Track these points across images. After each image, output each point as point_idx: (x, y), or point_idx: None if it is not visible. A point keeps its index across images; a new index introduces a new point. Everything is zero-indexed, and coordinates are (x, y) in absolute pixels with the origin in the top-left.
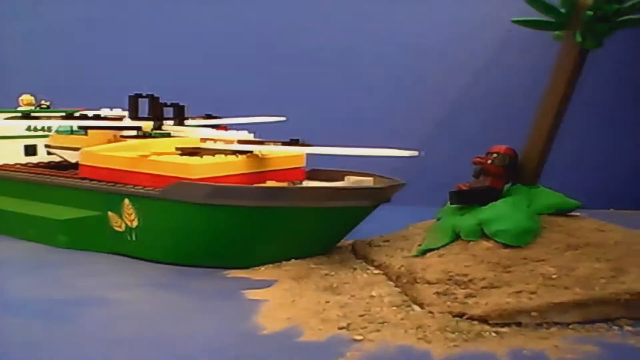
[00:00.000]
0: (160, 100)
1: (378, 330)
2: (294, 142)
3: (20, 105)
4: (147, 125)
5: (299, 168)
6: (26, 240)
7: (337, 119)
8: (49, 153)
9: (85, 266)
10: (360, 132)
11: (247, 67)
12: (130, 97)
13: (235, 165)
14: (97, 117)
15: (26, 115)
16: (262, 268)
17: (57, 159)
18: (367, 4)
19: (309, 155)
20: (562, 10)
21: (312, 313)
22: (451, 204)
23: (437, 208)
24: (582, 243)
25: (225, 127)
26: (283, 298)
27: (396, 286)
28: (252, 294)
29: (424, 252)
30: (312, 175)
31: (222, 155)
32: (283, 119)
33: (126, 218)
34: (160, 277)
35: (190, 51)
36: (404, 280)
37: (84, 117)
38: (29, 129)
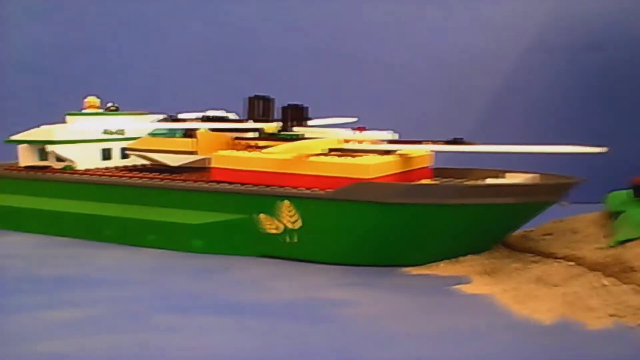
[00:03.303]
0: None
1: None
2: (458, 141)
3: (84, 107)
4: (268, 128)
5: (426, 167)
6: (144, 246)
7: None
8: (124, 156)
9: (247, 270)
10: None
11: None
12: (249, 98)
13: (396, 165)
14: (220, 120)
15: (174, 119)
16: (441, 264)
17: (137, 162)
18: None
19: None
20: None
21: (566, 304)
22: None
23: None
24: None
25: (364, 128)
26: (508, 292)
27: (606, 275)
28: (465, 289)
29: (621, 243)
30: (438, 173)
31: (377, 155)
32: (355, 119)
33: (286, 220)
34: (348, 277)
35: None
36: (615, 269)
37: (211, 119)
38: (105, 132)
